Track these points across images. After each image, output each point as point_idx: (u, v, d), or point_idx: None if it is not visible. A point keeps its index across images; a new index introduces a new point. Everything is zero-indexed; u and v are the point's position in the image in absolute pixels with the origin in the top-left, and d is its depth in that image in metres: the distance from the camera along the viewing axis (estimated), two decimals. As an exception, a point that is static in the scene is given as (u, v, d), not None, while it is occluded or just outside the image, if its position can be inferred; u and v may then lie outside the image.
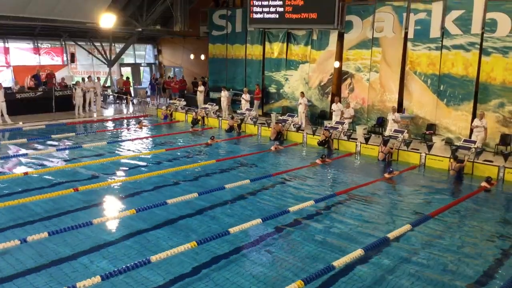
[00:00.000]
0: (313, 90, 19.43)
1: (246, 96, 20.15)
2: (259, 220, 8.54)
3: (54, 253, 7.36)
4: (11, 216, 8.82)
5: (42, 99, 21.17)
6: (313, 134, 16.54)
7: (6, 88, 20.35)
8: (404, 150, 14.38)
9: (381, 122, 17.21)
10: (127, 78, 27.17)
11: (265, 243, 8.03)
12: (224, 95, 20.87)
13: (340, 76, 18.67)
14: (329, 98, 18.76)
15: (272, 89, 21.13)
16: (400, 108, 16.68)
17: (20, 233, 7.97)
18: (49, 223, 8.56)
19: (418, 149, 14.39)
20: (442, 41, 15.70)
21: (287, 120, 17.70)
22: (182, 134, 17.89)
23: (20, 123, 18.30)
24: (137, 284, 6.45)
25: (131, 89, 27.30)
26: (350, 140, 15.72)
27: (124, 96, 24.86)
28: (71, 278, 6.49)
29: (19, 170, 12.21)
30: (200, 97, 22.63)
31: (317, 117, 19.08)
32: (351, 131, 16.37)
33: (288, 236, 8.40)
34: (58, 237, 7.78)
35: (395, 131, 14.94)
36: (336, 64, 18.47)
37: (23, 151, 14.34)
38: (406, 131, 15.01)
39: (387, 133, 15.34)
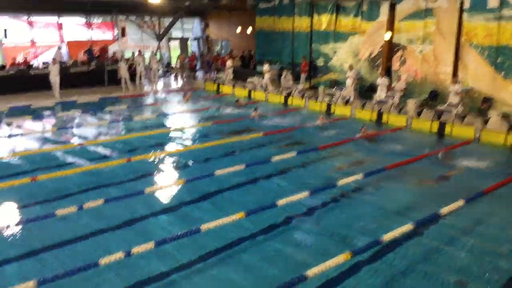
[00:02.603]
0: (362, 62, 18.95)
1: (287, 77, 19.83)
2: (306, 193, 8.53)
3: (109, 220, 7.68)
4: (68, 184, 9.25)
5: (94, 73, 21.86)
6: (362, 108, 16.21)
7: (60, 63, 21.13)
8: (458, 125, 13.84)
9: (434, 96, 16.59)
10: (193, 53, 26.95)
11: (312, 216, 8.03)
12: (266, 69, 20.70)
13: (391, 48, 18.03)
14: (379, 71, 18.25)
15: (320, 62, 20.78)
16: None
17: (77, 200, 8.34)
18: (103, 192, 8.92)
19: (472, 123, 13.81)
20: (500, 11, 14.79)
21: (335, 93, 17.41)
22: (229, 108, 17.99)
23: (75, 96, 18.98)
24: (187, 251, 6.64)
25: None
26: (400, 114, 15.29)
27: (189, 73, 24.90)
28: (126, 243, 6.75)
29: (74, 141, 12.75)
30: (228, 71, 22.36)
31: (366, 90, 18.64)
32: (402, 105, 15.90)
33: (336, 209, 8.36)
34: (112, 204, 8.11)
35: (449, 105, 14.39)
36: (387, 35, 17.85)
37: (78, 123, 14.95)
38: (460, 104, 14.42)
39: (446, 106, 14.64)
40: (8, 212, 8.00)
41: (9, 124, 14.70)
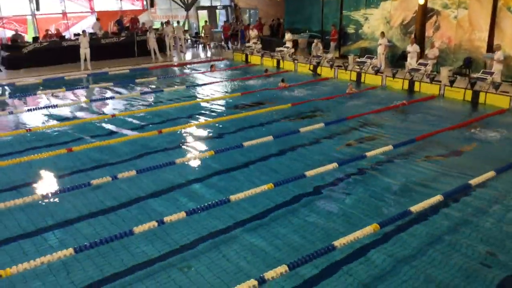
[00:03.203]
0: (394, 29, 18.47)
1: (317, 46, 19.53)
2: (335, 164, 8.53)
3: (141, 190, 7.92)
4: (102, 156, 9.54)
5: (124, 44, 22.03)
6: (393, 77, 15.89)
7: (91, 34, 21.39)
8: (492, 93, 13.44)
9: (469, 63, 16.09)
10: (226, 22, 26.56)
11: (340, 187, 8.05)
12: (288, 37, 20.62)
13: (425, 13, 17.44)
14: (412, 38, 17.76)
15: (350, 30, 20.35)
16: (490, 48, 15.41)
17: (111, 170, 8.61)
18: (136, 162, 9.17)
19: (508, 92, 13.38)
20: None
21: (366, 62, 17.10)
22: (257, 78, 17.94)
23: (106, 68, 19.26)
24: (217, 221, 6.82)
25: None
26: (433, 82, 14.93)
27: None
28: (158, 213, 6.99)
29: (107, 113, 13.04)
30: (252, 41, 22.27)
31: (398, 59, 18.21)
32: (434, 73, 15.50)
33: (365, 181, 8.35)
34: (144, 175, 8.33)
35: (484, 72, 13.95)
36: (421, 0, 17.26)
37: (110, 94, 15.25)
38: (495, 72, 13.94)
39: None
40: (46, 182, 8.34)
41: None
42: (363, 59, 17.43)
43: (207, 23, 26.78)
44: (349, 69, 17.53)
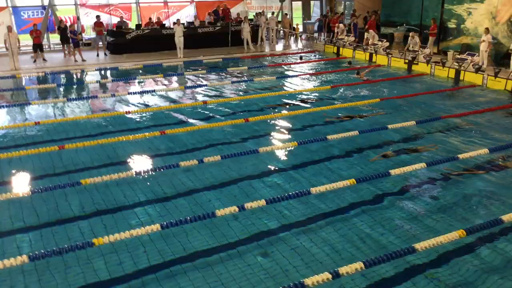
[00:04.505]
0: (500, 26, 17.14)
1: (414, 39, 18.73)
2: (423, 164, 8.20)
3: (226, 174, 8.21)
4: (191, 140, 9.99)
5: (219, 34, 22.70)
6: (495, 77, 14.80)
7: (189, 23, 22.30)
8: None
9: None
10: (336, 14, 26.30)
11: (428, 189, 7.72)
12: (370, 35, 20.09)
13: (537, 9, 16.04)
14: (520, 35, 16.42)
15: (451, 24, 19.22)
16: None
17: (198, 154, 9.02)
18: (222, 148, 9.52)
19: None
20: None
21: (466, 59, 16.10)
22: (348, 71, 17.63)
23: (201, 56, 20.00)
24: (296, 211, 6.89)
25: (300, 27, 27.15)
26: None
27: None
28: (238, 199, 7.22)
29: (200, 99, 13.60)
30: (341, 34, 21.92)
31: (502, 57, 16.91)
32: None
33: (455, 184, 7.93)
34: (229, 161, 8.61)
35: None
36: (534, -5, 15.86)
37: (203, 82, 15.86)
38: None
39: None
40: (140, 161, 8.92)
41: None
42: (463, 56, 16.42)
43: (287, 16, 26.47)
44: (447, 65, 16.62)
